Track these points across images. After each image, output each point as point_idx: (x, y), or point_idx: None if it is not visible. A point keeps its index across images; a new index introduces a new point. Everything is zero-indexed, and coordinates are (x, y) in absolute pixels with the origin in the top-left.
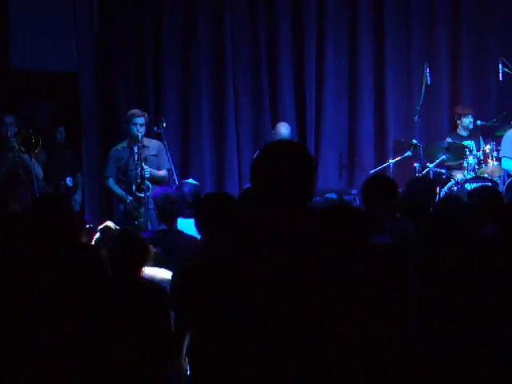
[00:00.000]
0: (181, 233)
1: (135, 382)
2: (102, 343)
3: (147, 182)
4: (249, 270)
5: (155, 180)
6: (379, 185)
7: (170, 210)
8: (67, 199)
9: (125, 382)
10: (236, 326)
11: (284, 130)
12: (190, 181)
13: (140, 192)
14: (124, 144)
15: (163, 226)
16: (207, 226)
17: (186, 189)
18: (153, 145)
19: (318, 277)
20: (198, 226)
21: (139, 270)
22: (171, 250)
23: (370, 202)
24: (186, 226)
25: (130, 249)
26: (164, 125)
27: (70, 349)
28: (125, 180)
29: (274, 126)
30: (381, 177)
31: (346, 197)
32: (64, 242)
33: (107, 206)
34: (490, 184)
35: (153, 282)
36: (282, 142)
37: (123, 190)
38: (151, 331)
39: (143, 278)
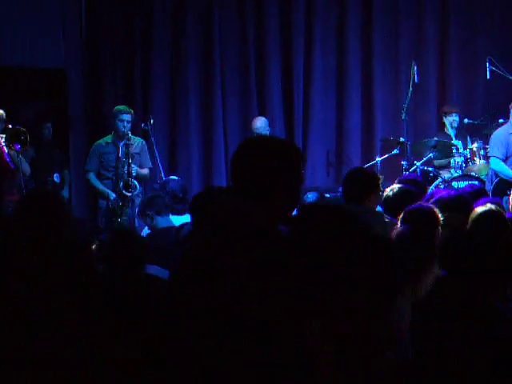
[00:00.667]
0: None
1: (136, 381)
2: (102, 344)
3: (134, 181)
4: (223, 267)
5: (138, 178)
6: (360, 178)
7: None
8: (58, 196)
9: (125, 381)
10: (221, 326)
11: (259, 123)
12: (173, 177)
13: (127, 190)
14: (108, 139)
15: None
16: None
17: (172, 185)
18: (136, 143)
19: (301, 275)
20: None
21: (141, 267)
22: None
23: (350, 195)
24: (179, 222)
25: (132, 247)
26: (151, 121)
27: (69, 349)
28: (109, 176)
29: None
30: (361, 170)
31: (333, 194)
32: (54, 239)
33: (94, 202)
34: (476, 182)
35: (154, 277)
36: (260, 138)
37: (107, 186)
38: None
39: (144, 274)
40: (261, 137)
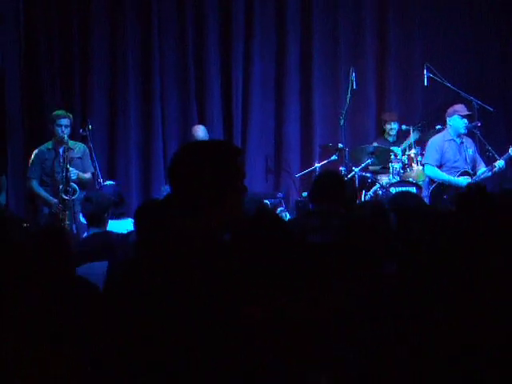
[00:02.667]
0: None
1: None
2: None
3: (73, 185)
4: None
5: (80, 183)
6: (328, 181)
7: (92, 211)
8: None
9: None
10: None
11: (201, 133)
12: (108, 182)
13: (66, 194)
14: (48, 145)
15: (94, 230)
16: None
17: (109, 191)
18: (78, 148)
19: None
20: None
21: (72, 266)
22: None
23: (318, 197)
24: (114, 226)
25: (61, 245)
26: (90, 127)
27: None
28: (50, 182)
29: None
30: (330, 173)
31: (271, 200)
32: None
33: (32, 208)
34: (414, 188)
35: (86, 280)
36: (197, 142)
37: (48, 192)
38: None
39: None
40: (198, 141)
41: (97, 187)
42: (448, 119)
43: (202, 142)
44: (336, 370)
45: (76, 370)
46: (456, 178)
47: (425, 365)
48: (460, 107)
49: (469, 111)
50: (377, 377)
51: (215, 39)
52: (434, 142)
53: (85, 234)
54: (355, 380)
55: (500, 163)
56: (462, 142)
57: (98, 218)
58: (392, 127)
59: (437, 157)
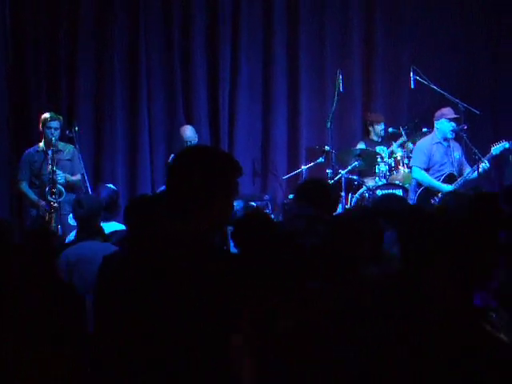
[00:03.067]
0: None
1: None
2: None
3: (59, 187)
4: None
5: (69, 185)
6: (313, 187)
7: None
8: None
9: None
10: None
11: (189, 132)
12: (109, 185)
13: (51, 197)
14: (38, 147)
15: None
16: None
17: (104, 193)
18: (67, 149)
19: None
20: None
21: (52, 267)
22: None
23: (303, 201)
24: (105, 228)
25: (42, 245)
26: (76, 128)
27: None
28: (38, 184)
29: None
30: (315, 179)
31: (258, 203)
32: None
33: (17, 209)
34: (400, 191)
35: (70, 286)
36: (202, 148)
37: (36, 194)
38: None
39: (60, 278)
40: (203, 148)
41: (83, 190)
42: (435, 122)
43: (201, 147)
44: (326, 370)
45: (76, 371)
46: (441, 183)
47: (414, 366)
48: (447, 110)
49: (456, 114)
50: (370, 377)
51: (202, 41)
52: (422, 144)
53: (73, 233)
54: (349, 380)
55: (484, 165)
56: (448, 146)
57: (88, 224)
58: (380, 128)
59: (424, 159)
